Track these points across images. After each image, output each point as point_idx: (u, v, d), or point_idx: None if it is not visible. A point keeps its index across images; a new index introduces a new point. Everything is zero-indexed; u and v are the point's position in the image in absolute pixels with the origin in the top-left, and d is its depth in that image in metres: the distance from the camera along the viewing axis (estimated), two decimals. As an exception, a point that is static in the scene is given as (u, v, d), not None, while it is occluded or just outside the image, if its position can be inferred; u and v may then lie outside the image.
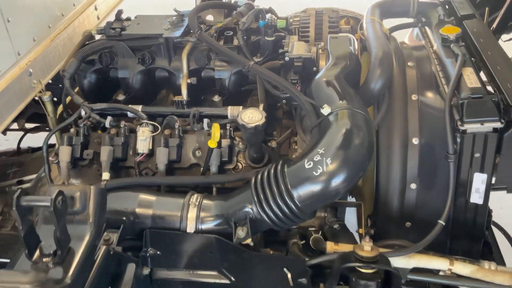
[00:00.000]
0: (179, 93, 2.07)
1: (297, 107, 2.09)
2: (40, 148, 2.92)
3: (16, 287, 1.23)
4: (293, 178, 1.59)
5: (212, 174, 1.91)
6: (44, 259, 1.30)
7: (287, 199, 1.58)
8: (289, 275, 1.64)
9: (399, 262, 1.70)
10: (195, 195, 1.76)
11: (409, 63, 2.03)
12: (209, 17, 2.53)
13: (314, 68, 1.98)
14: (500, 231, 2.18)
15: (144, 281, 1.71)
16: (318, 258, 1.69)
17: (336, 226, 1.98)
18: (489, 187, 1.78)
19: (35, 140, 3.01)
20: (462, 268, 1.70)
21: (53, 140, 2.07)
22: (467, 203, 1.85)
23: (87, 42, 2.23)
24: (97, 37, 2.30)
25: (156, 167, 1.95)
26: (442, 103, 1.89)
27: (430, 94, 1.94)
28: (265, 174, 1.66)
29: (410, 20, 2.42)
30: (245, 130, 1.75)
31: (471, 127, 1.68)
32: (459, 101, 1.70)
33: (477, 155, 1.72)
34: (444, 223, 1.71)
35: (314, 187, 1.56)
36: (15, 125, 2.84)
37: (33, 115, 2.64)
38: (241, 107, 2.00)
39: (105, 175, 1.85)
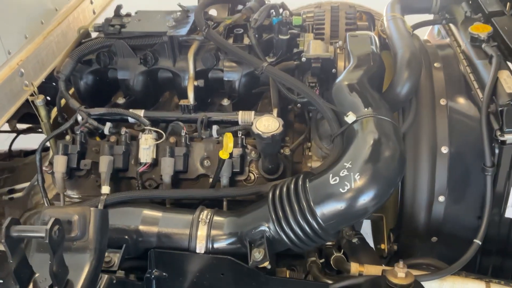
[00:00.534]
0: (184, 96, 1.90)
1: (312, 111, 1.93)
2: (33, 152, 2.76)
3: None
4: (316, 195, 1.44)
5: (223, 186, 1.75)
6: (39, 296, 1.14)
7: (309, 218, 1.43)
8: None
9: (431, 285, 1.55)
10: (205, 211, 1.60)
11: (435, 64, 1.87)
12: (212, 12, 2.35)
13: (333, 69, 1.81)
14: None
15: (149, 306, 1.55)
16: (343, 282, 1.54)
17: (355, 240, 1.83)
18: (527, 202, 1.64)
19: (27, 140, 2.86)
20: (499, 291, 1.56)
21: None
22: (501, 218, 1.70)
23: (83, 40, 2.06)
24: (94, 34, 2.12)
25: (161, 178, 1.79)
26: (474, 109, 1.75)
27: (460, 99, 1.79)
28: (284, 188, 1.50)
29: (431, 16, 2.26)
30: (261, 140, 1.59)
31: (512, 138, 1.53)
32: (498, 108, 1.54)
33: (516, 167, 1.58)
34: (480, 243, 1.56)
35: (340, 205, 1.41)
36: (6, 126, 2.69)
37: (25, 115, 2.49)
38: (253, 112, 1.83)
39: (105, 189, 1.68)
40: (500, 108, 1.54)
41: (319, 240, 1.47)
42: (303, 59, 1.80)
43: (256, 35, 1.94)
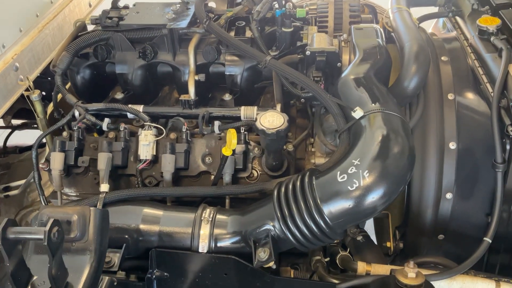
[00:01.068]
0: (185, 91, 1.85)
1: (316, 106, 1.88)
2: (28, 148, 2.71)
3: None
4: (324, 192, 1.39)
5: (225, 184, 1.70)
6: (37, 300, 1.09)
7: (316, 216, 1.38)
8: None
9: (440, 284, 1.51)
10: (208, 209, 1.56)
11: (442, 58, 1.84)
12: (211, 5, 2.29)
13: (338, 63, 1.76)
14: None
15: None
16: (350, 282, 1.49)
17: (359, 238, 1.80)
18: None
19: (22, 136, 2.80)
20: (510, 290, 1.52)
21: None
22: (510, 215, 1.67)
23: (80, 34, 2.00)
24: (91, 27, 2.06)
25: (161, 175, 1.74)
26: (482, 103, 1.71)
27: (468, 93, 1.75)
28: (290, 186, 1.45)
29: (436, 9, 2.22)
30: (265, 136, 1.54)
31: (524, 134, 1.50)
32: (510, 103, 1.50)
33: (528, 164, 1.54)
34: (490, 241, 1.53)
35: (348, 204, 1.36)
36: (0, 122, 2.63)
37: (19, 110, 2.43)
38: (255, 107, 1.78)
39: (104, 187, 1.63)
40: (512, 103, 1.51)
41: (326, 239, 1.43)
42: (308, 52, 1.75)
43: (259, 28, 1.89)
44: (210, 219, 1.53)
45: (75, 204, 1.61)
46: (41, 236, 0.99)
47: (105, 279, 1.25)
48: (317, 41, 1.79)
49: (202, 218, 1.53)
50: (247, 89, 1.93)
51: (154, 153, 1.74)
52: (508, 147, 1.54)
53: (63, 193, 1.79)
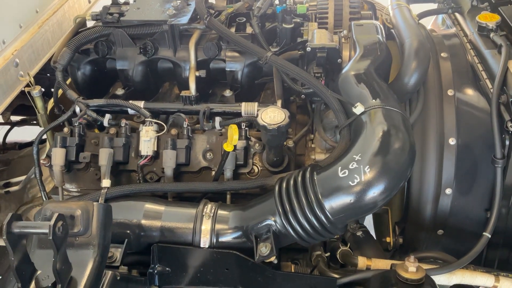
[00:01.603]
0: (185, 87, 1.85)
1: (316, 103, 1.89)
2: (28, 144, 2.71)
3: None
4: (325, 188, 1.40)
5: (226, 179, 1.70)
6: (41, 294, 1.09)
7: (318, 211, 1.39)
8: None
9: (440, 279, 1.52)
10: (209, 205, 1.56)
11: (442, 54, 1.84)
12: (212, 1, 2.29)
13: (339, 59, 1.77)
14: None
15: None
16: (351, 276, 1.50)
17: (359, 233, 1.81)
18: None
19: (22, 132, 2.80)
20: (509, 284, 1.53)
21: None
22: (509, 210, 1.68)
23: (80, 30, 1.99)
24: (92, 23, 2.05)
25: (162, 171, 1.74)
26: (482, 99, 1.72)
27: (468, 89, 1.76)
28: (291, 181, 1.46)
29: (435, 5, 2.22)
30: (266, 131, 1.55)
31: (524, 129, 1.51)
32: (510, 99, 1.51)
33: (527, 159, 1.55)
34: (489, 236, 1.54)
35: (349, 199, 1.37)
36: (-1, 118, 2.64)
37: (19, 107, 2.43)
38: (256, 103, 1.78)
39: (106, 182, 1.63)
40: (511, 99, 1.51)
41: (327, 234, 1.43)
42: (308, 48, 1.75)
43: (259, 24, 1.89)
44: (212, 215, 1.53)
45: (78, 199, 1.61)
46: (46, 230, 1.00)
47: (108, 273, 1.26)
48: (318, 37, 1.79)
49: (204, 214, 1.53)
50: (248, 85, 1.93)
51: (155, 149, 1.74)
52: (507, 142, 1.55)
53: (64, 189, 1.79)
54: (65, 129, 1.78)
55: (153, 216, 1.55)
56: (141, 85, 1.97)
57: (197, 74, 1.83)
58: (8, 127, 2.74)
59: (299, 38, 1.90)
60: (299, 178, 1.45)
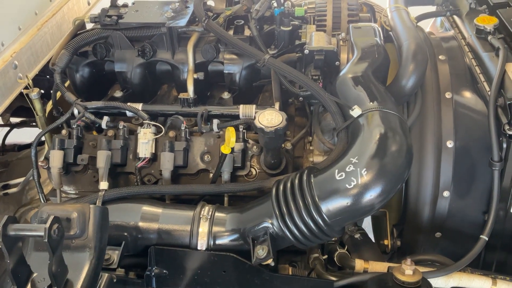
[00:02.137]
0: (183, 89, 1.86)
1: (314, 105, 1.89)
2: (27, 146, 2.71)
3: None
4: (322, 190, 1.40)
5: (224, 182, 1.70)
6: (37, 296, 1.10)
7: (314, 214, 1.39)
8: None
9: (437, 281, 1.52)
10: (207, 207, 1.56)
11: (440, 57, 1.84)
12: (210, 3, 2.29)
13: (337, 62, 1.77)
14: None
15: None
16: (348, 279, 1.50)
17: (357, 235, 1.80)
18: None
19: (21, 134, 2.80)
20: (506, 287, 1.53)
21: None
22: (506, 213, 1.68)
23: (79, 32, 2.00)
24: (90, 25, 2.06)
25: (160, 174, 1.74)
26: (480, 102, 1.72)
27: (465, 92, 1.76)
28: (288, 184, 1.46)
29: (434, 8, 2.23)
30: (264, 134, 1.55)
31: (521, 132, 1.51)
32: (507, 102, 1.51)
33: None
34: (487, 238, 1.54)
35: (346, 201, 1.37)
36: (-2, 119, 2.64)
37: (18, 108, 2.43)
38: (254, 106, 1.79)
39: (103, 185, 1.63)
40: (509, 102, 1.51)
41: (324, 236, 1.44)
42: (306, 51, 1.75)
43: (257, 27, 1.89)
44: (209, 217, 1.53)
45: (75, 201, 1.61)
46: (42, 233, 1.00)
47: (105, 276, 1.26)
48: (316, 39, 1.79)
49: (201, 216, 1.53)
50: (246, 87, 1.93)
51: (153, 151, 1.74)
52: (504, 145, 1.55)
53: (62, 191, 1.79)
54: (63, 131, 1.78)
55: (151, 218, 1.55)
56: (139, 87, 1.97)
57: (195, 76, 1.84)
58: (7, 128, 2.74)
59: (297, 41, 1.90)
60: (296, 181, 1.45)
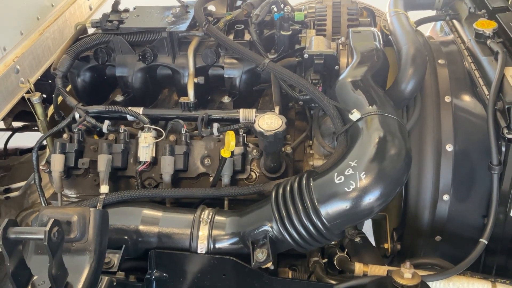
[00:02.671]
0: (184, 94, 1.87)
1: (314, 109, 1.90)
2: (29, 150, 2.72)
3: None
4: (321, 194, 1.41)
5: (224, 185, 1.71)
6: (37, 299, 1.10)
7: (314, 217, 1.40)
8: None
9: (436, 285, 1.52)
10: (206, 211, 1.57)
11: (439, 61, 1.85)
12: (211, 8, 2.30)
13: (336, 66, 1.78)
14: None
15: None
16: (347, 283, 1.51)
17: (357, 239, 1.80)
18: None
19: (23, 139, 2.82)
20: (506, 291, 1.53)
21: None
22: (506, 217, 1.68)
23: (80, 37, 2.01)
24: (92, 30, 2.07)
25: (160, 177, 1.75)
26: (479, 106, 1.73)
27: (465, 96, 1.77)
28: (288, 187, 1.47)
29: (433, 12, 2.23)
30: (263, 138, 1.56)
31: (520, 136, 1.51)
32: (506, 106, 1.51)
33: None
34: (486, 242, 1.54)
35: (345, 205, 1.37)
36: (1, 124, 2.65)
37: (20, 113, 2.44)
38: (254, 110, 1.80)
39: (104, 188, 1.64)
40: (507, 106, 1.52)
41: (324, 240, 1.44)
42: (306, 55, 1.76)
43: (257, 31, 1.90)
44: (209, 220, 1.54)
45: (75, 205, 1.62)
46: (42, 236, 1.01)
47: (105, 279, 1.27)
48: (315, 44, 1.80)
49: (201, 219, 1.54)
50: (246, 91, 1.94)
51: (154, 155, 1.76)
52: (503, 149, 1.55)
53: (63, 195, 1.80)
54: (65, 135, 1.80)
55: (151, 222, 1.56)
56: (140, 92, 1.98)
57: (195, 80, 1.85)
58: (9, 133, 2.76)
59: (297, 45, 1.91)
60: (296, 184, 1.45)
